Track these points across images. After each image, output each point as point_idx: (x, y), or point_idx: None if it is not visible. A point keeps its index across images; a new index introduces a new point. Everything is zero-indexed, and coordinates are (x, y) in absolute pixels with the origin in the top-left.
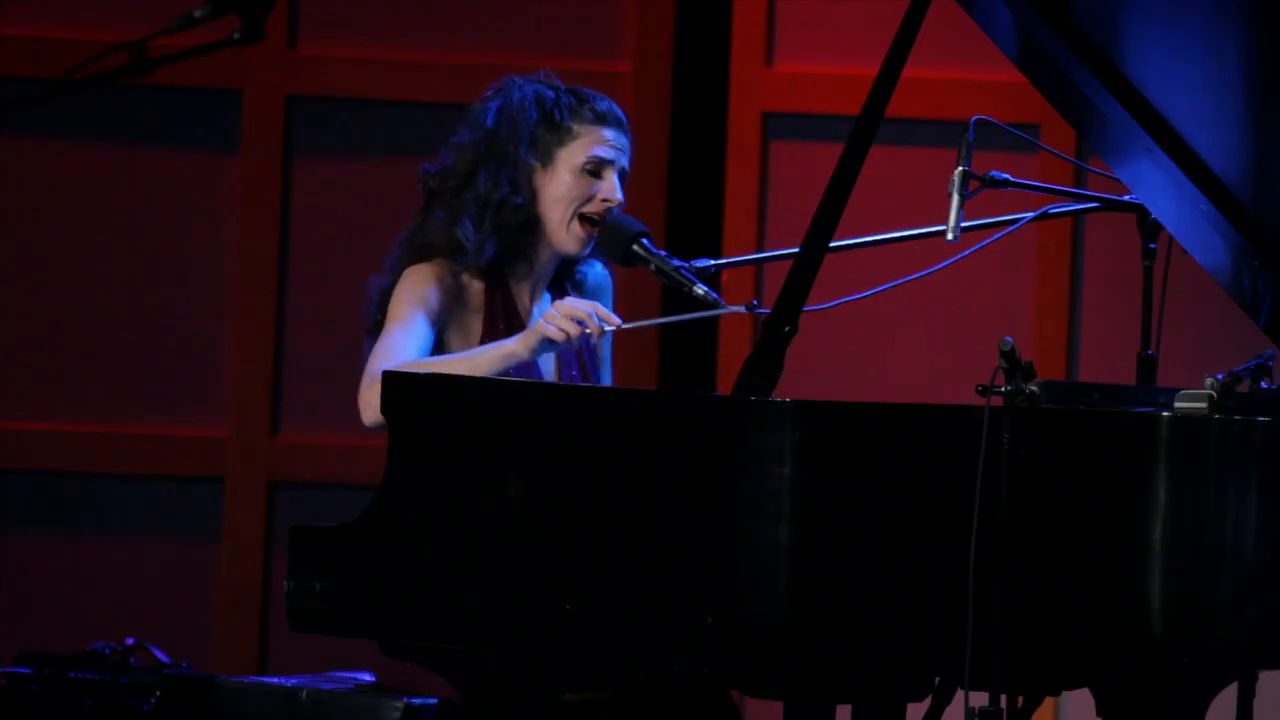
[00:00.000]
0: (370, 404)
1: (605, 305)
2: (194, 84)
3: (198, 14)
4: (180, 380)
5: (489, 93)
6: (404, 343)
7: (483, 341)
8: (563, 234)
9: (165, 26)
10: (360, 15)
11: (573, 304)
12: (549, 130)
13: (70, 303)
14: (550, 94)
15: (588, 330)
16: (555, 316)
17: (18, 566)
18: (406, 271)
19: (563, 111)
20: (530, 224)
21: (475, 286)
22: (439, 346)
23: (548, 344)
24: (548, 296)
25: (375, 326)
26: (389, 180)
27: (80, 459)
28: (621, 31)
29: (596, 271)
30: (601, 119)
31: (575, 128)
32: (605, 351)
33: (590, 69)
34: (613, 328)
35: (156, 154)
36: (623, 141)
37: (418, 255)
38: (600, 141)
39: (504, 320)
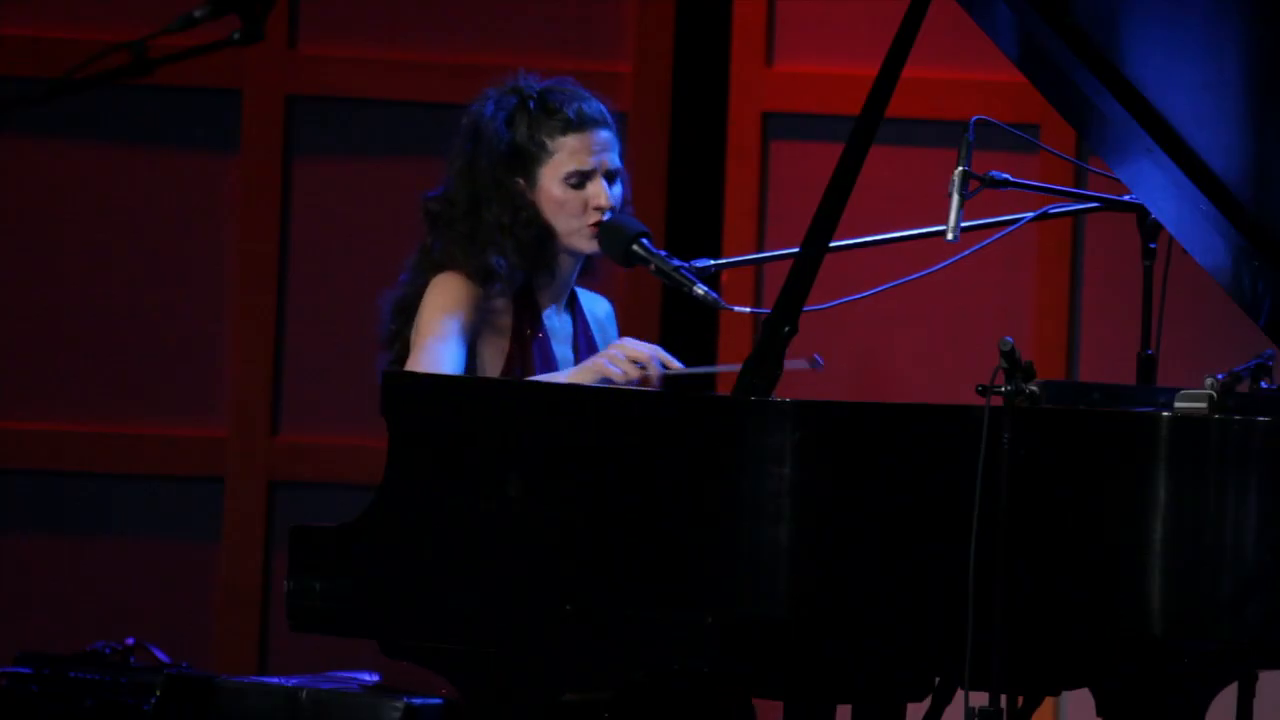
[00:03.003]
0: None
1: (610, 334)
2: (194, 84)
3: (198, 14)
4: (180, 380)
5: (473, 108)
6: (443, 361)
7: (509, 359)
8: (574, 239)
9: (165, 26)
10: (360, 15)
11: (635, 346)
12: (525, 149)
13: (70, 303)
14: (519, 106)
15: (647, 373)
16: (619, 358)
17: (18, 566)
18: (436, 280)
19: (533, 128)
20: (547, 235)
21: (501, 305)
22: (470, 360)
23: (606, 381)
24: (566, 314)
25: (389, 341)
26: (389, 180)
27: (80, 459)
28: (621, 31)
29: (604, 306)
30: (572, 126)
31: (549, 143)
32: None
33: (590, 69)
34: (672, 371)
35: (156, 154)
36: (603, 138)
37: (439, 270)
38: (575, 152)
39: (532, 337)
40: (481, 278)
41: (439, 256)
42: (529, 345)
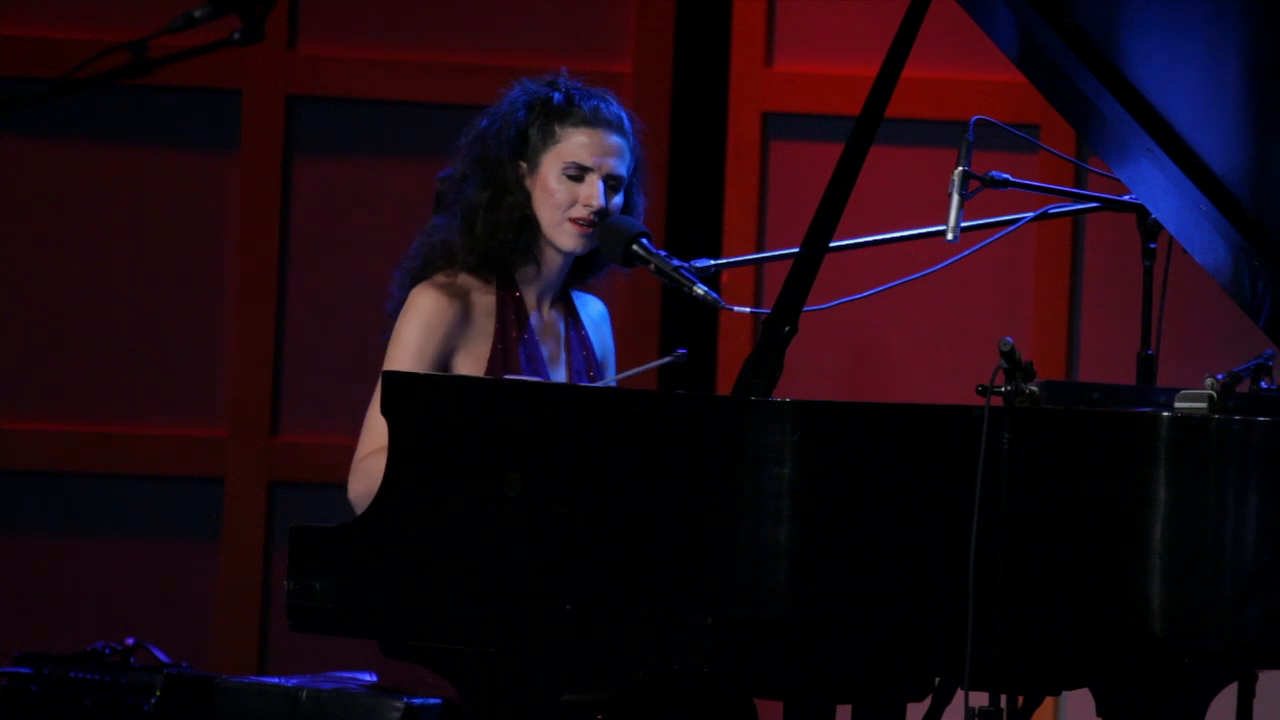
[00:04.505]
0: (358, 475)
1: (605, 335)
2: (194, 84)
3: (198, 14)
4: (180, 380)
5: (503, 91)
6: None
7: (492, 362)
8: (556, 233)
9: (165, 26)
10: (360, 15)
11: None
12: (535, 133)
13: (70, 303)
14: (544, 96)
15: None
16: None
17: (18, 566)
18: (411, 296)
19: (550, 114)
20: (526, 222)
21: (485, 302)
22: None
23: None
24: (557, 312)
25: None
26: (389, 180)
27: (80, 459)
28: (621, 31)
29: (597, 307)
30: (586, 121)
31: (559, 131)
32: (609, 374)
33: (590, 69)
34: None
35: (156, 154)
36: (613, 143)
37: (422, 269)
38: (583, 146)
39: (518, 339)
40: (448, 258)
41: (423, 249)
42: (514, 346)
